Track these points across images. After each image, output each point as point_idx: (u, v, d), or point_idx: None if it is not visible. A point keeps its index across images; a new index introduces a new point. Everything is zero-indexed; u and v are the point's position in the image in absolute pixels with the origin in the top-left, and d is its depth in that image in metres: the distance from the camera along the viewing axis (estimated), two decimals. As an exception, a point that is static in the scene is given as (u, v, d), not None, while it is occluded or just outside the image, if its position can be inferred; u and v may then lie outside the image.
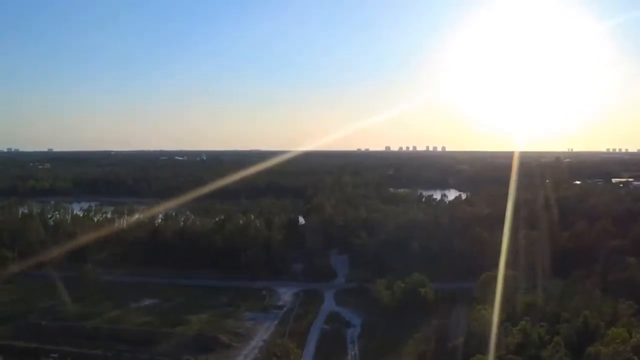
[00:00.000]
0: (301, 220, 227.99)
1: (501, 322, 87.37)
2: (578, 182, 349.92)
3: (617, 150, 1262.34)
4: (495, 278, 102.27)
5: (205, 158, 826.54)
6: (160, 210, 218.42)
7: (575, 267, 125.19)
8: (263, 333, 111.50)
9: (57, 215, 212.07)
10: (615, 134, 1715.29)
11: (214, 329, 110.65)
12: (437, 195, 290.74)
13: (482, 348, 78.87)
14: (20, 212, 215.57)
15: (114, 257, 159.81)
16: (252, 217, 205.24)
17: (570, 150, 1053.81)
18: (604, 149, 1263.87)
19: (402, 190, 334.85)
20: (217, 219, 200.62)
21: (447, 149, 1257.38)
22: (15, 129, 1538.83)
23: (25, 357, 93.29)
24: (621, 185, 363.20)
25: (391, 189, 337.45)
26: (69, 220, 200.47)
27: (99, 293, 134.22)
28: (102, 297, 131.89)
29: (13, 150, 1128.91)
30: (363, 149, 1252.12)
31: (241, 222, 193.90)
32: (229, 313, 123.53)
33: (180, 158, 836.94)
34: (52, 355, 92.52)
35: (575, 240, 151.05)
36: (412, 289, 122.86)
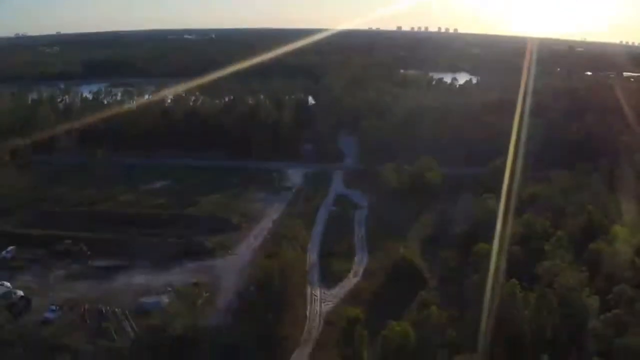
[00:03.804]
0: (311, 100, 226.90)
1: (507, 212, 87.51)
2: (589, 74, 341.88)
3: (631, 44, 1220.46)
4: (503, 166, 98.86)
5: (214, 36, 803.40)
6: (169, 91, 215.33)
7: (583, 160, 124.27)
8: (272, 214, 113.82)
9: (67, 100, 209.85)
10: (630, 27, 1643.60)
11: (225, 210, 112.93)
12: (448, 79, 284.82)
13: (486, 236, 77.56)
14: (30, 99, 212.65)
15: (125, 140, 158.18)
16: (262, 97, 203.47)
17: (584, 39, 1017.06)
18: (617, 41, 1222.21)
19: (413, 72, 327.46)
20: (226, 99, 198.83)
21: (460, 31, 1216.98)
22: (23, 14, 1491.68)
23: (40, 243, 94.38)
24: (632, 80, 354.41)
25: (402, 71, 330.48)
26: (78, 104, 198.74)
27: (110, 177, 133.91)
28: (113, 180, 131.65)
29: (21, 35, 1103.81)
30: (374, 27, 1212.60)
31: (250, 102, 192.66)
32: (239, 194, 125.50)
33: (189, 37, 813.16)
34: (66, 241, 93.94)
35: (583, 133, 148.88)
36: (419, 172, 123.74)
